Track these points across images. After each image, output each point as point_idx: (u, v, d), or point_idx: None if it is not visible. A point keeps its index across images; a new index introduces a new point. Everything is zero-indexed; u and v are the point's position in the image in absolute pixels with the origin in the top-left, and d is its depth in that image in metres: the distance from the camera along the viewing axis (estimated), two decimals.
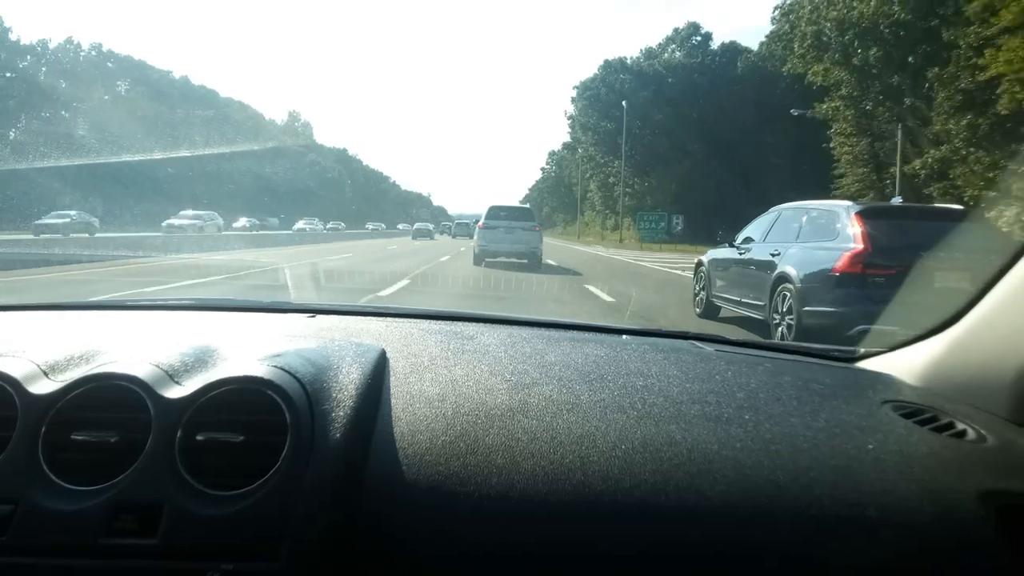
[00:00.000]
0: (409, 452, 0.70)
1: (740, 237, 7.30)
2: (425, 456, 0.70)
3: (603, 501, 0.66)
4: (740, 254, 6.93)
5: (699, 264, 8.26)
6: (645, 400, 0.82)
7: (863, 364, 1.11)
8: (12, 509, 0.62)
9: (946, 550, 0.64)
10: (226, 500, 0.63)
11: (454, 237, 39.81)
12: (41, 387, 0.70)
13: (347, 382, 0.76)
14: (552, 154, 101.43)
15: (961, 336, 0.89)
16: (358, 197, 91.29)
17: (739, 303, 6.61)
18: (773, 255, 5.99)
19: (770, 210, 7.16)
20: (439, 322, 1.18)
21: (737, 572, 0.63)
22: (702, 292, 7.79)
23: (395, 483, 0.67)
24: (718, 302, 7.27)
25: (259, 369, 0.73)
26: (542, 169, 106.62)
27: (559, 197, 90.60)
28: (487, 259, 14.41)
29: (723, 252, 7.61)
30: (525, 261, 14.36)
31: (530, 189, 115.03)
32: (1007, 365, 0.78)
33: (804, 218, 6.04)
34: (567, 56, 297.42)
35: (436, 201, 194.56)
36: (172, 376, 0.72)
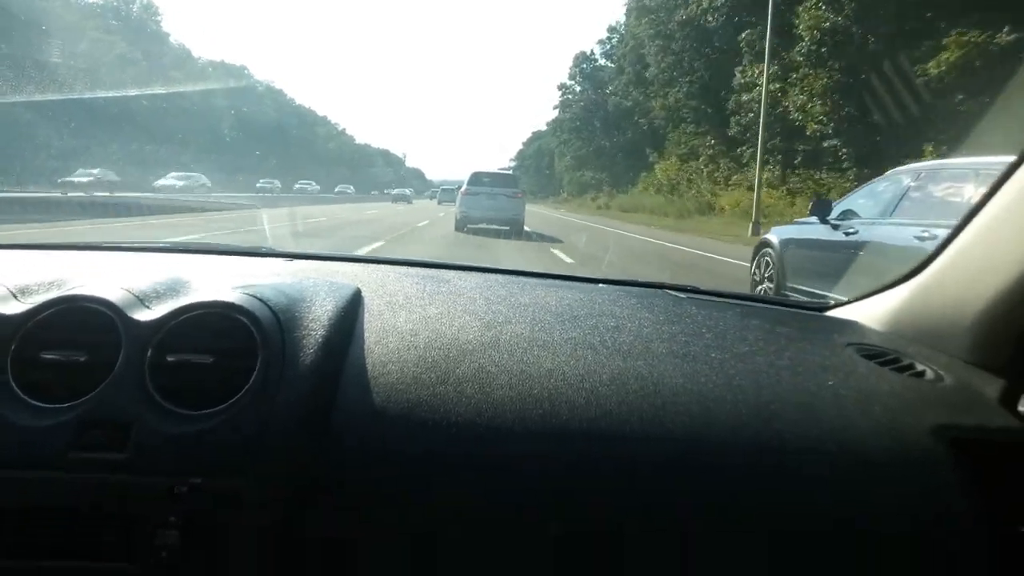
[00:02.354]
0: (380, 381, 0.73)
1: (835, 210, 5.28)
2: (396, 385, 0.73)
3: (570, 429, 0.70)
4: (847, 235, 4.83)
5: (764, 245, 6.21)
6: (615, 338, 0.86)
7: (832, 313, 1.15)
8: None
9: (900, 480, 0.70)
10: (196, 419, 0.66)
11: (439, 203, 37.73)
12: (10, 308, 0.72)
13: (320, 313, 0.78)
14: (536, 133, 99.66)
15: (924, 283, 0.94)
16: (325, 158, 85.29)
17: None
18: (921, 238, 3.93)
19: (891, 173, 5.07)
20: (416, 268, 1.20)
21: (698, 497, 0.68)
22: (767, 284, 5.94)
23: (366, 409, 0.70)
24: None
25: (231, 295, 0.74)
26: (535, 132, 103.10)
27: (540, 173, 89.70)
28: (469, 225, 14.34)
29: (807, 230, 5.57)
30: (508, 228, 14.41)
31: (512, 160, 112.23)
32: (966, 310, 0.84)
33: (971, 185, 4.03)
34: (561, 24, 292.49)
35: (420, 168, 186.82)
36: (143, 300, 0.74)
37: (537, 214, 27.96)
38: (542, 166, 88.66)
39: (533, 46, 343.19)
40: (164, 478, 0.63)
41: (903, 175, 4.93)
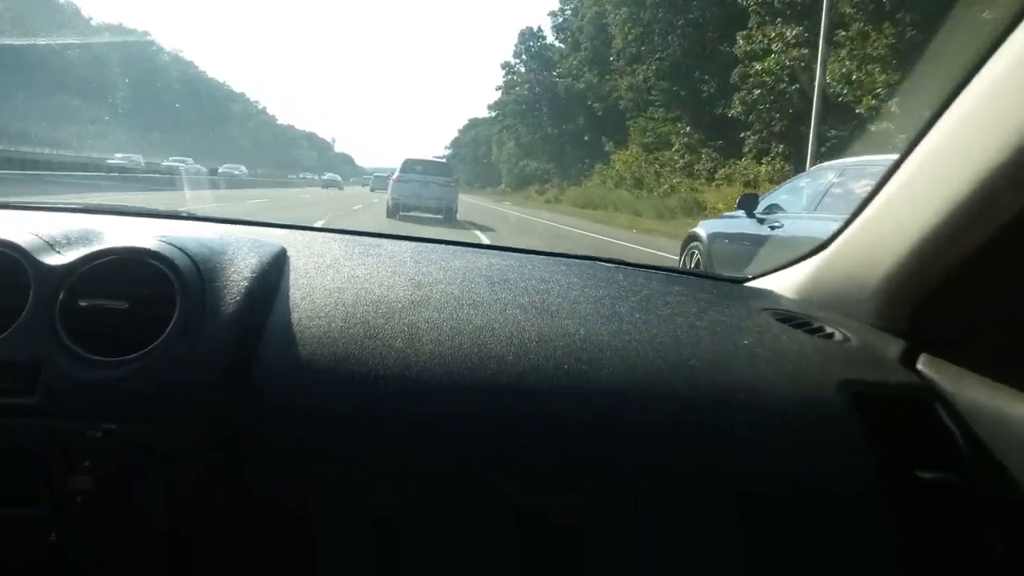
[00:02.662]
0: (306, 335, 0.72)
1: (761, 204, 5.32)
2: (323, 339, 0.72)
3: (498, 383, 0.71)
4: (772, 228, 4.87)
5: (692, 239, 6.25)
6: (544, 300, 0.88)
7: (749, 284, 1.21)
8: None
9: (807, 430, 0.75)
10: (110, 365, 0.64)
11: (372, 190, 35.89)
12: None
13: (243, 266, 0.76)
14: (473, 121, 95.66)
15: (832, 255, 1.00)
16: (243, 137, 79.52)
17: None
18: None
19: (815, 169, 5.12)
20: (345, 235, 1.17)
21: (619, 443, 0.71)
22: None
23: (290, 362, 0.70)
24: None
25: (147, 242, 0.72)
26: (471, 120, 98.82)
27: (477, 162, 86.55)
28: (401, 213, 14.28)
29: (734, 224, 5.60)
30: (440, 216, 14.39)
31: (447, 148, 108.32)
32: (870, 278, 0.89)
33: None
34: (499, 10, 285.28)
35: (350, 154, 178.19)
36: (53, 246, 0.72)
37: (477, 207, 25.87)
38: (479, 155, 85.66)
39: (470, 27, 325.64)
40: (76, 423, 0.62)
41: (827, 171, 5.01)
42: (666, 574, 0.72)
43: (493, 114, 65.36)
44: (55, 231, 0.75)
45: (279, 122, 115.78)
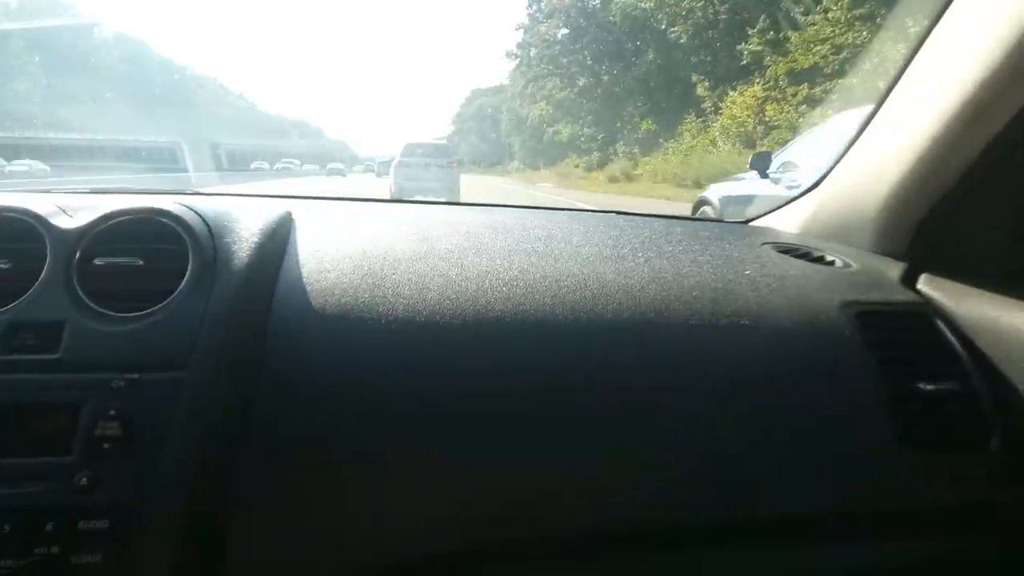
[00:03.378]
0: (316, 287, 0.76)
1: (774, 163, 4.83)
2: (333, 290, 0.76)
3: (504, 320, 0.75)
4: (788, 188, 4.37)
5: (702, 203, 5.81)
6: (547, 245, 0.91)
7: (751, 224, 1.24)
8: None
9: (810, 348, 0.78)
10: (130, 320, 0.68)
11: (379, 176, 35.04)
12: None
13: (251, 223, 0.80)
14: (476, 92, 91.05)
15: (829, 188, 1.04)
16: (213, 124, 74.35)
17: None
18: None
19: (833, 119, 4.61)
20: (347, 202, 1.23)
21: (627, 377, 0.74)
22: None
23: (303, 310, 0.73)
24: None
25: (158, 202, 0.76)
26: (474, 91, 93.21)
27: (483, 137, 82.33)
28: (404, 197, 14.12)
29: (746, 186, 5.16)
30: (443, 199, 13.16)
31: (451, 124, 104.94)
32: (867, 205, 0.93)
33: None
34: None
35: (344, 140, 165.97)
36: (66, 211, 0.75)
37: (512, 194, 21.15)
38: (484, 129, 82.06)
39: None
40: (101, 374, 0.65)
41: (847, 120, 4.50)
42: (675, 492, 0.74)
43: (514, 63, 45.87)
44: (68, 200, 0.78)
45: (260, 109, 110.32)
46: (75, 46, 55.76)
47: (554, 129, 39.52)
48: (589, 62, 33.50)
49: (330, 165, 50.22)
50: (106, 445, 0.63)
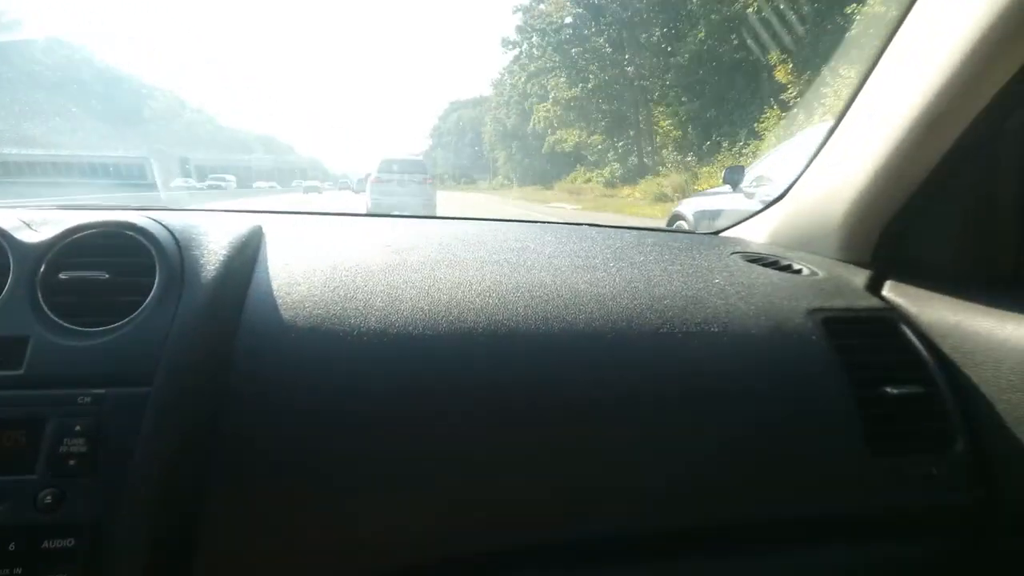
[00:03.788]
0: (287, 299, 0.75)
1: (748, 177, 4.91)
2: (303, 302, 0.75)
3: (477, 331, 0.75)
4: (763, 203, 4.42)
5: (676, 218, 5.88)
6: (520, 256, 0.93)
7: (720, 235, 1.28)
8: None
9: (777, 354, 0.80)
10: (95, 334, 0.67)
11: (356, 192, 34.66)
12: None
13: (220, 236, 0.79)
14: (455, 104, 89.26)
15: (795, 198, 1.07)
16: (167, 139, 68.15)
17: None
18: None
19: (808, 132, 4.70)
20: (320, 216, 1.22)
21: (598, 386, 0.74)
22: None
23: (273, 324, 0.73)
24: None
25: (124, 216, 0.75)
26: (453, 103, 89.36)
27: (462, 151, 79.54)
28: (381, 212, 13.39)
29: (720, 201, 5.23)
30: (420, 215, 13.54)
31: (428, 137, 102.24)
32: (831, 214, 0.95)
33: None
34: None
35: (317, 157, 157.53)
36: (30, 225, 0.75)
37: (491, 211, 18.04)
38: (463, 143, 79.69)
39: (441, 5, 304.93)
40: (66, 390, 0.64)
41: (819, 133, 4.60)
42: (650, 500, 0.74)
43: (512, 53, 39.60)
44: (32, 214, 0.77)
45: (221, 123, 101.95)
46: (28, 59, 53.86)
47: (555, 137, 33.20)
48: (608, 49, 26.23)
49: (306, 183, 50.35)
50: (72, 462, 0.62)
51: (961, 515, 0.80)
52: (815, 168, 1.01)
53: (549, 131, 34.19)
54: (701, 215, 5.51)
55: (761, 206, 4.37)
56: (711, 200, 5.70)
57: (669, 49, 22.01)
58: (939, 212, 0.87)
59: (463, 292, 0.79)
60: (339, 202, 23.14)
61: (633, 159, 24.92)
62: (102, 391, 0.64)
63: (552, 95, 31.54)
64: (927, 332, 0.83)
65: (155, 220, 0.77)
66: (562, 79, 30.36)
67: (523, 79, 39.07)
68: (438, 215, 1.62)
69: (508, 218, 1.27)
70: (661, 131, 23.01)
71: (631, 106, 25.86)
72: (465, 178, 71.96)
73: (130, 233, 0.73)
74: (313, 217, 1.17)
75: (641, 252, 1.00)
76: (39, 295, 0.68)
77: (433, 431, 0.70)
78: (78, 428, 0.63)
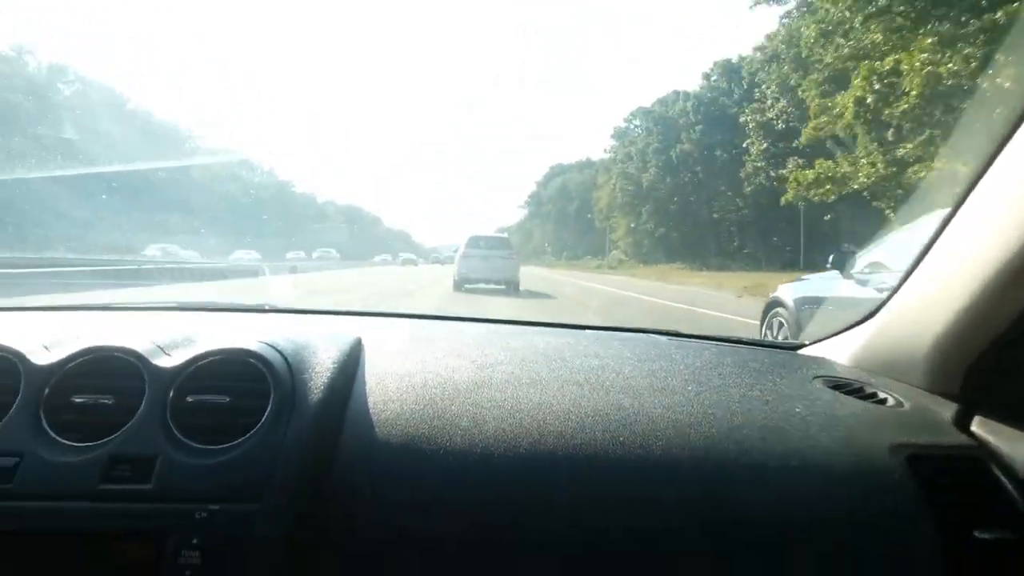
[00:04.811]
0: (381, 417, 0.82)
1: (859, 262, 4.38)
2: (396, 421, 0.81)
3: (557, 456, 0.78)
4: (879, 290, 3.88)
5: (774, 305, 5.34)
6: (599, 376, 0.95)
7: (802, 352, 1.25)
8: (17, 461, 0.74)
9: (861, 493, 0.78)
10: (214, 452, 0.75)
11: (443, 265, 36.14)
12: (42, 359, 0.81)
13: (325, 358, 0.88)
14: (556, 168, 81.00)
15: (884, 320, 1.04)
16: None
17: None
18: None
19: (926, 218, 4.12)
20: (412, 319, 1.32)
21: (677, 516, 0.75)
22: None
23: (368, 442, 0.79)
24: None
25: (244, 342, 0.84)
26: (553, 167, 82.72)
27: (565, 220, 72.64)
28: (467, 285, 15.60)
29: (828, 287, 4.74)
30: (503, 287, 15.65)
31: (525, 203, 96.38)
32: (921, 342, 0.91)
33: None
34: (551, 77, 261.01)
35: (406, 230, 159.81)
36: (163, 349, 0.84)
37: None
38: (568, 212, 71.07)
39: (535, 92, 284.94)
40: (186, 505, 0.71)
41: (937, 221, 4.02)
42: None
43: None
44: (164, 336, 0.86)
45: (298, 191, 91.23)
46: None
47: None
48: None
49: (403, 256, 58.18)
50: (188, 573, 0.69)
51: None
52: (907, 289, 0.98)
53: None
54: (804, 302, 4.98)
55: (876, 294, 3.78)
56: (815, 285, 5.17)
57: None
58: None
59: (543, 414, 0.83)
60: (431, 271, 26.42)
61: None
62: (216, 507, 0.71)
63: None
64: (1019, 473, 0.79)
65: (270, 345, 0.85)
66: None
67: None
68: (523, 320, 1.46)
69: (588, 325, 1.32)
70: None
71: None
72: (568, 252, 66.66)
73: (250, 360, 0.82)
74: (405, 323, 1.24)
75: (720, 374, 1.00)
76: (168, 417, 0.77)
77: (515, 553, 0.74)
78: (194, 541, 0.69)
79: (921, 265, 0.93)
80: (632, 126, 49.37)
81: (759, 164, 30.54)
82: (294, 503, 0.72)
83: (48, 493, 0.71)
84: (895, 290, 1.00)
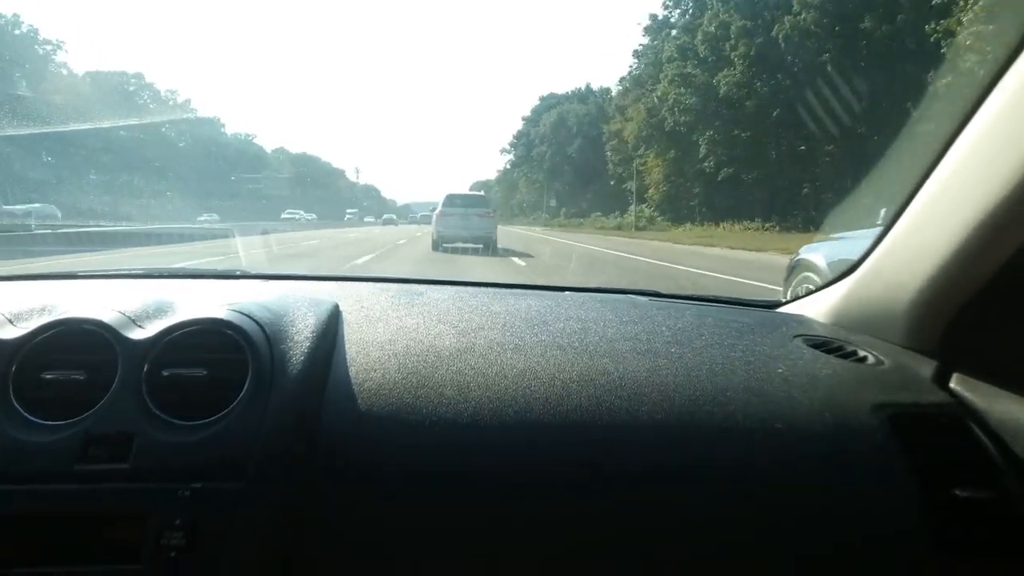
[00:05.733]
0: (363, 387, 0.81)
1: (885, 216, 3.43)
2: (379, 391, 0.81)
3: (543, 423, 0.78)
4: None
5: (800, 268, 4.56)
6: (582, 340, 0.95)
7: (782, 309, 1.26)
8: None
9: (842, 453, 0.79)
10: (193, 429, 0.73)
11: (419, 225, 38.03)
12: (8, 332, 0.78)
13: (303, 326, 0.86)
14: (550, 98, 65.76)
15: (862, 278, 1.04)
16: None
17: None
18: None
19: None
20: (391, 283, 1.28)
21: (662, 480, 0.76)
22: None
23: (351, 414, 0.78)
24: None
25: (219, 312, 0.82)
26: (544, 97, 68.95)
27: (564, 170, 62.01)
28: (444, 244, 15.70)
29: (854, 246, 3.74)
30: (481, 246, 15.72)
31: (508, 150, 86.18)
32: (900, 299, 0.92)
33: None
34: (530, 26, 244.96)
35: (376, 185, 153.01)
36: (135, 321, 0.81)
37: None
38: (566, 156, 59.01)
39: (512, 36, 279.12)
40: (167, 484, 0.70)
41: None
42: None
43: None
44: (135, 305, 0.83)
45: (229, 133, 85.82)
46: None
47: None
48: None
49: (384, 216, 61.14)
50: (172, 554, 0.67)
51: None
52: (886, 245, 0.98)
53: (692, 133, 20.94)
54: (842, 266, 4.11)
55: None
56: (852, 246, 4.29)
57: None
58: (1014, 303, 0.83)
59: (528, 381, 0.83)
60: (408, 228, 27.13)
61: None
62: (199, 485, 0.69)
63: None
64: (998, 431, 0.80)
65: (246, 314, 0.83)
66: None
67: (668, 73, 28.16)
68: (503, 282, 1.28)
69: (569, 287, 1.31)
70: None
71: None
72: (569, 208, 51.77)
73: (226, 331, 0.79)
74: (384, 288, 1.19)
75: (701, 335, 1.01)
76: (144, 392, 0.74)
77: (505, 521, 0.74)
78: (178, 522, 0.68)
79: (900, 221, 0.93)
80: (683, 7, 35.30)
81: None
82: (279, 478, 0.71)
83: (21, 475, 0.69)
84: (873, 246, 1.00)
